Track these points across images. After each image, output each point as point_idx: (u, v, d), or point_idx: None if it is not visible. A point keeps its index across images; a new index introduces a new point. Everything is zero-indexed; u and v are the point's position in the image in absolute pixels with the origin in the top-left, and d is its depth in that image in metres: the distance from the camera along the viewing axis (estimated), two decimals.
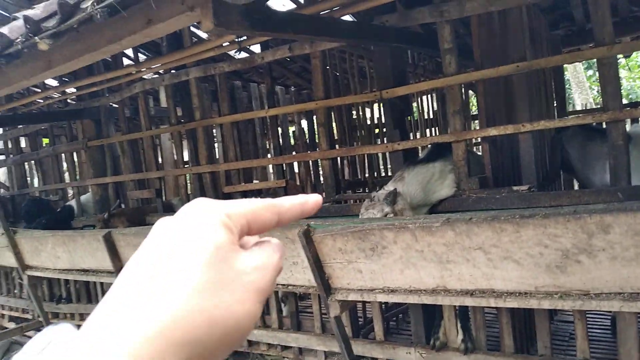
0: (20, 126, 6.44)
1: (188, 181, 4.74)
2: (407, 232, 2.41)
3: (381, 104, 3.40)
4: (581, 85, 14.61)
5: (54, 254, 4.55)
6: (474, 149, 5.67)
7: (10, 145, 6.64)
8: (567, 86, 15.05)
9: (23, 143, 6.82)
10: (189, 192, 4.71)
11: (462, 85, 3.25)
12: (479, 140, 3.74)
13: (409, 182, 3.14)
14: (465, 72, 2.97)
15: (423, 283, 2.50)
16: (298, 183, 6.90)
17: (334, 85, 4.49)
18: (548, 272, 2.15)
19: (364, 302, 4.24)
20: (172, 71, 4.44)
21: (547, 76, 4.11)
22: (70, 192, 6.77)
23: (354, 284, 2.72)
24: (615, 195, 2.67)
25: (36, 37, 2.14)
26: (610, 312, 3.41)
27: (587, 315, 3.50)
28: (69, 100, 5.75)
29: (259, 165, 4.30)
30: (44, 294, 6.42)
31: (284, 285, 3.04)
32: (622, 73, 14.65)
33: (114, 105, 5.39)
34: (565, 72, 14.74)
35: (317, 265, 2.75)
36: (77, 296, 6.04)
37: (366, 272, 2.65)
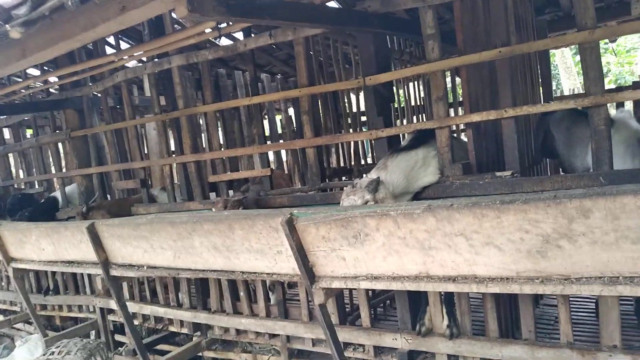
0: (3, 117, 6.34)
1: (174, 171, 4.69)
2: (389, 219, 2.40)
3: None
4: (569, 71, 14.66)
5: (38, 246, 4.50)
6: (460, 136, 5.66)
7: None
8: (555, 72, 15.10)
9: (7, 134, 6.71)
10: (175, 181, 4.66)
11: (446, 72, 3.22)
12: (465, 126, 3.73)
13: (392, 170, 3.13)
14: (449, 58, 2.95)
15: (406, 270, 2.50)
16: (286, 172, 6.89)
17: (319, 72, 4.45)
18: (529, 257, 2.15)
19: (350, 290, 4.26)
20: (155, 59, 4.37)
21: (532, 61, 4.10)
22: (56, 183, 6.70)
23: (337, 271, 2.72)
24: (597, 179, 2.68)
25: (7, 26, 2.08)
26: (593, 296, 3.45)
27: (572, 299, 3.53)
28: (51, 90, 5.66)
29: (244, 154, 4.25)
30: (32, 286, 6.39)
31: (268, 274, 3.03)
32: (610, 58, 14.70)
33: (97, 94, 5.31)
34: (553, 58, 14.77)
35: (301, 254, 2.74)
36: (64, 288, 6.01)
37: (349, 259, 2.65)
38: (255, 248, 3.01)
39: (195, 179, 4.40)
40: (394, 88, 5.58)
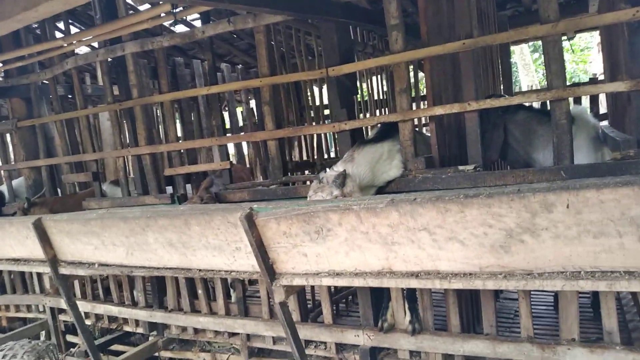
0: None
1: (128, 164, 4.48)
2: (351, 214, 2.33)
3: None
4: (527, 67, 15.00)
5: None
6: (423, 130, 5.66)
7: None
8: (514, 69, 15.42)
9: None
10: (130, 175, 4.45)
11: (410, 64, 3.16)
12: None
13: (359, 162, 3.05)
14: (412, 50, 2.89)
15: (368, 265, 2.43)
16: (247, 165, 6.74)
17: (281, 62, 4.33)
18: (492, 252, 2.12)
19: (312, 286, 4.18)
20: (108, 46, 4.16)
21: (494, 56, 4.11)
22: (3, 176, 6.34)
23: (299, 268, 2.63)
24: (558, 173, 2.68)
25: None
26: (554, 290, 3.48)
27: (531, 293, 3.56)
28: None
29: (203, 147, 4.10)
30: None
31: (227, 271, 2.92)
32: (566, 56, 15.13)
33: (46, 82, 5.03)
34: (512, 56, 15.08)
35: (261, 250, 2.64)
36: (11, 286, 5.70)
37: (311, 255, 2.56)
38: (213, 244, 2.88)
39: (150, 172, 4.22)
40: (358, 82, 5.53)
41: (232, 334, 4.08)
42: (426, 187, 2.92)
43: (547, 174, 2.67)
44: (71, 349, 5.02)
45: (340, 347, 3.59)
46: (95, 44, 4.25)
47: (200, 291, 4.14)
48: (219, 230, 2.80)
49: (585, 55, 16.61)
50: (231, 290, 4.24)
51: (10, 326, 5.89)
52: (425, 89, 3.17)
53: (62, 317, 5.20)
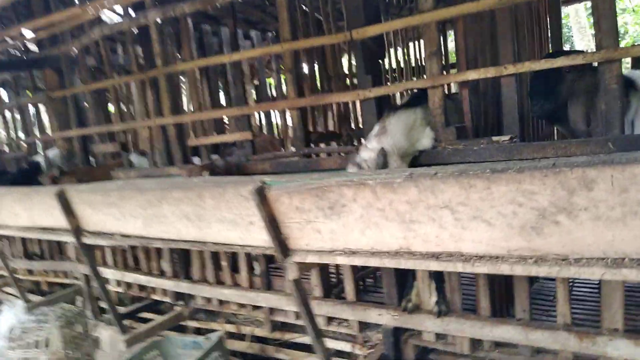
0: None
1: (154, 134, 4.41)
2: (367, 189, 2.14)
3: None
4: (582, 31, 14.03)
5: (13, 211, 4.30)
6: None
7: None
8: (569, 33, 14.47)
9: None
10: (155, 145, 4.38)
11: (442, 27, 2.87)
12: None
13: (393, 132, 2.81)
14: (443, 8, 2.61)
15: (385, 244, 2.24)
16: (277, 135, 6.58)
17: (305, 27, 4.09)
18: (522, 233, 1.88)
19: None
20: (132, 15, 4.05)
21: (541, 15, 3.73)
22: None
23: (312, 245, 2.47)
24: (605, 145, 2.38)
25: None
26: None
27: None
28: (31, 49, 5.35)
29: (230, 116, 3.96)
30: (17, 252, 6.24)
31: (241, 245, 2.80)
32: (628, 18, 14.05)
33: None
34: (567, 19, 14.12)
35: (273, 225, 2.49)
36: (50, 253, 5.86)
37: (325, 232, 2.39)
38: (227, 218, 2.76)
39: (175, 143, 4.14)
40: (392, 49, 5.23)
41: (255, 307, 4.01)
42: (456, 160, 2.68)
43: (593, 145, 2.37)
44: (104, 315, 5.12)
45: (364, 326, 3.45)
46: (120, 10, 4.15)
47: (224, 263, 4.08)
48: (232, 204, 2.67)
49: None
50: (254, 263, 4.15)
51: (51, 290, 6.09)
52: (456, 55, 2.89)
53: (95, 284, 5.30)
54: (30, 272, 6.14)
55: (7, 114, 6.12)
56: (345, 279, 3.41)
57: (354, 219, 2.28)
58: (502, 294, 3.04)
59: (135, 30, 3.99)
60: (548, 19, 4.07)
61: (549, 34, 4.14)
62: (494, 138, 2.61)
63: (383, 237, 2.24)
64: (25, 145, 5.92)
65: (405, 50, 5.26)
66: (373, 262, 2.29)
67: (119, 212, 3.34)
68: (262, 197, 2.43)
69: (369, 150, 2.72)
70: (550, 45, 4.31)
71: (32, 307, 4.94)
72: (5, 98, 6.47)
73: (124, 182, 3.39)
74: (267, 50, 3.55)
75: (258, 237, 2.72)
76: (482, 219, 1.96)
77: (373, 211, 2.20)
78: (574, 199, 1.73)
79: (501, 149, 2.54)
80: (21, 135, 5.85)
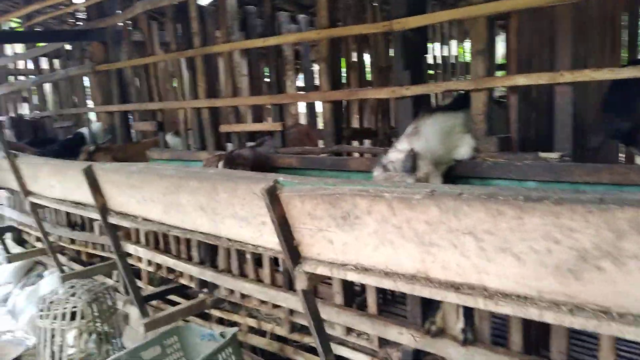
0: (42, 45, 6.15)
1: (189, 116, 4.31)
2: (382, 203, 1.90)
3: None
4: None
5: (48, 182, 4.35)
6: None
7: (31, 66, 6.44)
8: None
9: (44, 64, 6.57)
10: (188, 127, 4.27)
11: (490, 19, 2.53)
12: None
13: (427, 135, 2.54)
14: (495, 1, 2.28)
15: (401, 265, 2.00)
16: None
17: (347, 13, 3.81)
18: (557, 275, 1.59)
19: None
20: None
21: (615, 15, 3.29)
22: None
23: (324, 255, 2.27)
24: None
25: None
26: None
27: None
28: (79, 21, 5.40)
29: (263, 104, 3.79)
30: (62, 220, 6.40)
31: (253, 245, 2.63)
32: None
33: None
34: None
35: (284, 229, 2.30)
36: (90, 225, 5.95)
37: (338, 243, 2.18)
38: (240, 215, 2.60)
39: (209, 127, 4.01)
40: (447, 45, 4.86)
41: (276, 305, 3.86)
42: (495, 175, 2.37)
43: None
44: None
45: (384, 341, 3.21)
46: None
47: (248, 256, 3.95)
48: (245, 201, 2.50)
49: None
50: (280, 259, 3.99)
51: (90, 261, 6.21)
52: (506, 55, 2.55)
53: (129, 261, 5.32)
54: (72, 241, 6.28)
55: (61, 84, 6.24)
56: (367, 289, 3.18)
57: (368, 233, 2.05)
58: (537, 329, 2.71)
59: (175, 7, 3.88)
60: (623, 19, 3.59)
61: (625, 38, 3.66)
62: (542, 154, 2.28)
63: (398, 257, 1.99)
64: (73, 115, 6.02)
65: (449, 46, 4.85)
66: (386, 284, 2.05)
67: (141, 196, 3.26)
68: (273, 197, 2.24)
69: (397, 152, 2.46)
70: (627, 50, 3.83)
71: (65, 277, 5.03)
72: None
73: (145, 165, 3.30)
74: (303, 36, 3.34)
75: (270, 239, 2.54)
76: (511, 252, 1.68)
77: (388, 227, 1.96)
78: (622, 243, 1.42)
79: (548, 168, 2.21)
80: (68, 105, 5.95)
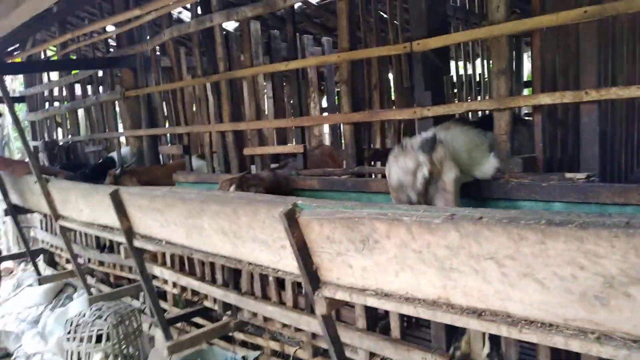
0: (75, 72, 6.37)
1: (213, 139, 4.36)
2: (401, 227, 1.86)
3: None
4: None
5: (77, 206, 4.45)
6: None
7: (65, 93, 6.65)
8: None
9: (77, 90, 6.80)
10: (213, 150, 4.32)
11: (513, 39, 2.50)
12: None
13: (456, 134, 2.48)
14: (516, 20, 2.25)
15: (421, 291, 1.95)
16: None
17: (368, 35, 3.81)
18: (583, 302, 1.53)
19: None
20: (198, 17, 4.02)
21: None
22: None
23: (344, 280, 2.23)
24: None
25: None
26: None
27: None
28: (111, 49, 5.58)
29: (283, 127, 3.81)
30: (92, 242, 6.52)
31: (274, 269, 2.62)
32: None
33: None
34: None
35: (302, 253, 2.28)
36: (117, 247, 6.04)
37: (357, 268, 2.15)
38: (260, 238, 2.59)
39: (233, 150, 4.05)
40: (468, 64, 4.82)
41: (298, 329, 3.81)
42: (519, 196, 2.31)
43: None
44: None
45: None
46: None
47: (271, 278, 3.93)
48: (265, 224, 2.49)
49: None
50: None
51: (117, 283, 6.29)
52: (531, 74, 2.50)
53: (155, 283, 5.37)
54: (101, 263, 6.38)
55: (93, 109, 6.43)
56: (390, 312, 3.12)
57: (388, 258, 2.01)
58: (568, 355, 2.60)
59: (201, 33, 3.96)
60: None
61: None
62: (568, 175, 2.21)
63: (419, 282, 1.95)
64: (104, 139, 6.18)
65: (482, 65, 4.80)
66: (407, 310, 2.00)
67: (164, 219, 3.30)
68: (292, 220, 2.23)
69: (420, 137, 2.41)
70: None
71: (93, 300, 5.09)
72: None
73: (168, 189, 3.34)
74: (324, 60, 3.36)
75: (290, 263, 2.52)
76: (534, 278, 1.62)
77: (408, 252, 1.92)
78: None
79: (574, 189, 2.13)
80: (99, 130, 6.12)
